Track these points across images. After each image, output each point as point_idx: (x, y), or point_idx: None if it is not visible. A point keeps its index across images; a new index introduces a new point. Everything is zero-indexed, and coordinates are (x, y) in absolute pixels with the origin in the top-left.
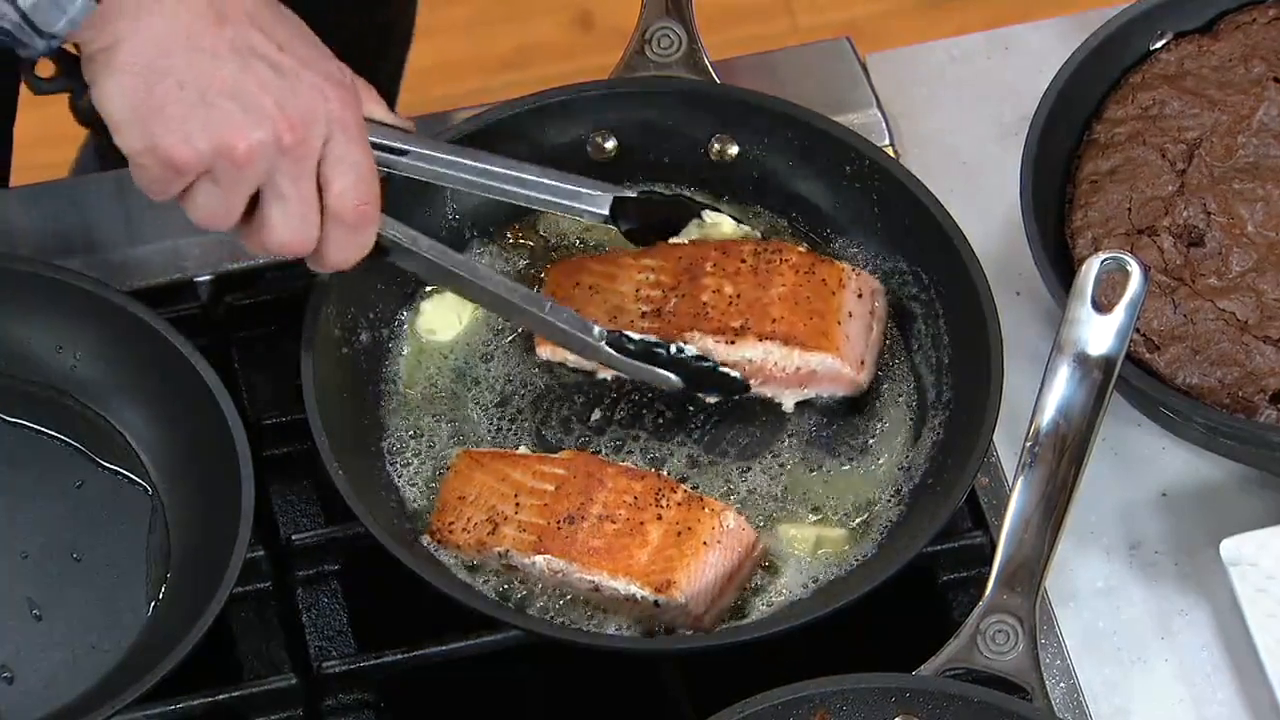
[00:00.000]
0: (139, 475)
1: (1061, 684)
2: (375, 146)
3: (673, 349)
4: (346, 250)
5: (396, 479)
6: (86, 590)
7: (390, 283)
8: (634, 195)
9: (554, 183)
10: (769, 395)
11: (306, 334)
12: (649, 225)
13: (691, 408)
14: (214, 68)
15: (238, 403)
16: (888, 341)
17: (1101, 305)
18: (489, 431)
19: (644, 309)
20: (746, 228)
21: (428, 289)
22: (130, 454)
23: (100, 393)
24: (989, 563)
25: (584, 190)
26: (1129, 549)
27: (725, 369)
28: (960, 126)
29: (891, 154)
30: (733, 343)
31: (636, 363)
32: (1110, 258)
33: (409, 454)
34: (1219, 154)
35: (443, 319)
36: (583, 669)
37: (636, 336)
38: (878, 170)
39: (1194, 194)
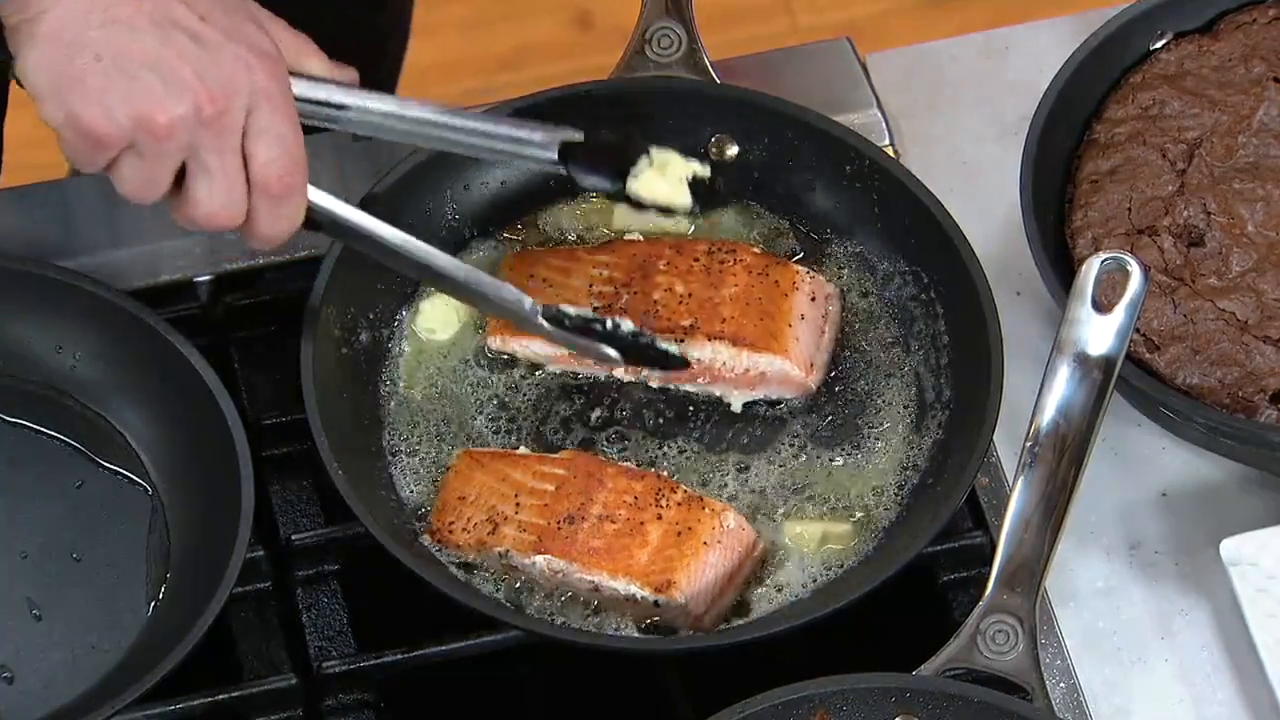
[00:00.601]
0: (139, 475)
1: (1061, 684)
2: (316, 102)
3: (609, 324)
4: (276, 223)
5: (396, 479)
6: (86, 590)
7: (390, 283)
8: (580, 139)
9: (502, 130)
10: (718, 394)
11: (306, 334)
12: (599, 167)
13: (691, 407)
14: (132, 40)
15: (238, 403)
16: (888, 341)
17: (1101, 305)
18: (489, 431)
19: (595, 304)
20: (695, 164)
21: (427, 289)
22: (130, 454)
23: (100, 393)
24: (989, 563)
25: (533, 136)
26: (1129, 549)
27: (664, 345)
28: (960, 126)
29: (891, 154)
30: (682, 341)
31: (573, 336)
32: (1110, 258)
33: (409, 454)
34: (1219, 154)
35: (443, 319)
36: (583, 669)
37: (573, 311)
38: (878, 170)
39: (1194, 194)
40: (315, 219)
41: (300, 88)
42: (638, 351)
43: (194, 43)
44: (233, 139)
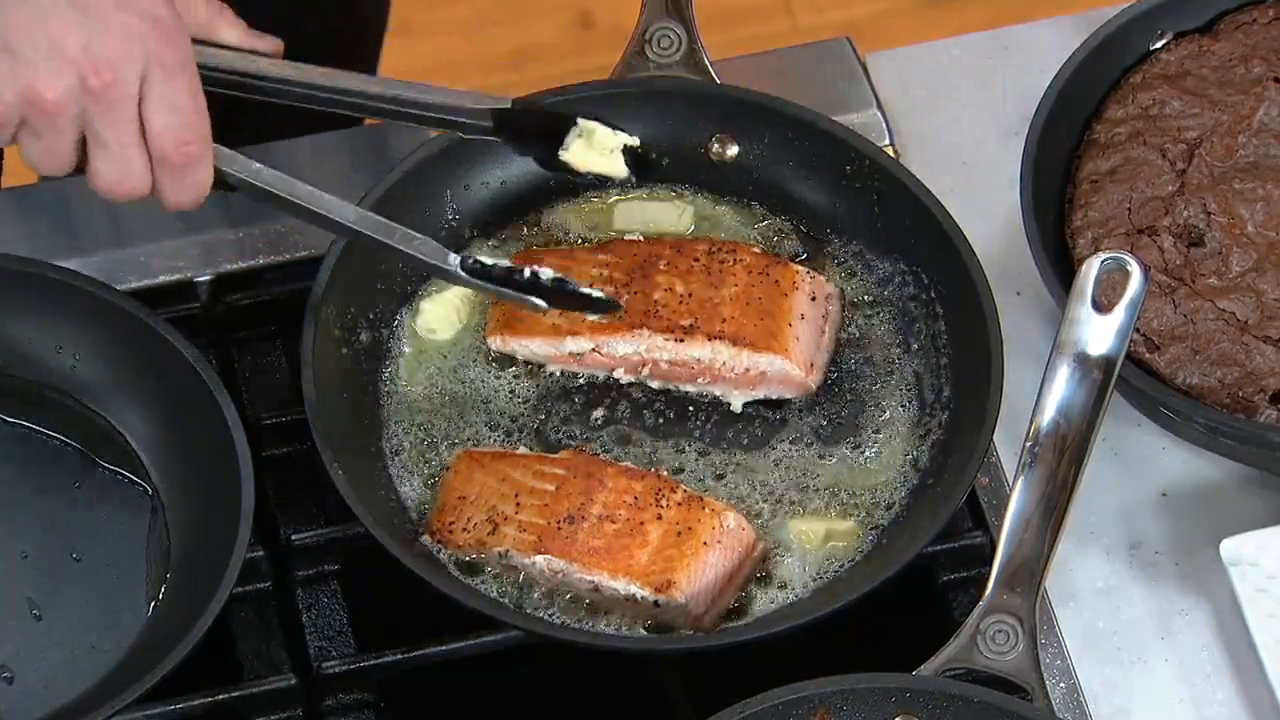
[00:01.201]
0: (139, 475)
1: (1061, 684)
2: (230, 72)
3: (527, 272)
4: (181, 192)
5: (396, 479)
6: (86, 590)
7: (390, 282)
8: (509, 106)
9: (433, 99)
10: (718, 394)
11: (306, 334)
12: (531, 138)
13: (691, 407)
14: (15, 13)
15: (238, 403)
16: (888, 341)
17: (1101, 305)
18: (489, 431)
19: None
20: (623, 135)
21: (427, 289)
22: (130, 454)
23: (100, 393)
24: (989, 563)
25: (464, 104)
26: (1129, 549)
27: (587, 290)
28: (960, 126)
29: (891, 154)
30: (681, 341)
31: (497, 287)
32: (1110, 258)
33: (409, 454)
34: (1219, 154)
35: (443, 319)
36: (583, 669)
37: (490, 261)
38: (878, 170)
39: (1194, 194)
40: (227, 181)
41: (211, 58)
42: (563, 298)
43: (79, 13)
44: (125, 110)
